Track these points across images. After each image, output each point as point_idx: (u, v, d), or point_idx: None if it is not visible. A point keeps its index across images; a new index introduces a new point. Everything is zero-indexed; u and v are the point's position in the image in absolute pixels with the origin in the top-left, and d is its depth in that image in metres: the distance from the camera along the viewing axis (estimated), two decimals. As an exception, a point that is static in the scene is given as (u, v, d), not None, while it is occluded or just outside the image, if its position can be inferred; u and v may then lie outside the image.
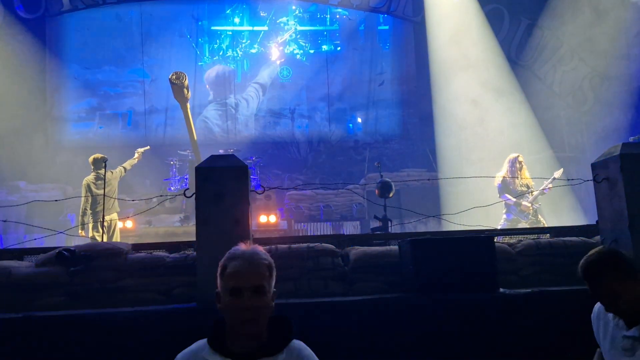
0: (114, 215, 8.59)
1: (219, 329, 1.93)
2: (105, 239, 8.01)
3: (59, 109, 13.92)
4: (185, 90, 8.90)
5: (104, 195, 7.79)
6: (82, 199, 8.32)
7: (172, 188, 11.02)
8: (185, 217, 10.63)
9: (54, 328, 3.33)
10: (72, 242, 8.46)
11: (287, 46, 14.54)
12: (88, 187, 8.34)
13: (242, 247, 1.92)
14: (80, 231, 8.23)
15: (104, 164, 8.06)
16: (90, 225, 8.24)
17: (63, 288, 3.79)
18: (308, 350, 1.93)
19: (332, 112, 14.54)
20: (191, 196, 3.69)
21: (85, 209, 8.31)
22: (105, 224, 8.25)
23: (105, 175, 8.12)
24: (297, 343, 1.94)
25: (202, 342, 1.96)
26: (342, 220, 11.53)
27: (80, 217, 8.34)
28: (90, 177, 8.42)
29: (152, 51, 13.97)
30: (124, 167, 8.91)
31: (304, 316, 3.25)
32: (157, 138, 13.60)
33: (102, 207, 8.12)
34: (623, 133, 9.73)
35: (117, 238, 8.56)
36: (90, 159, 8.50)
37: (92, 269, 3.83)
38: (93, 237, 8.12)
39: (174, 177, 11.16)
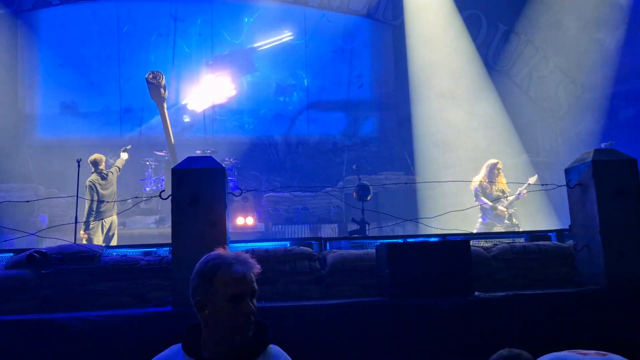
0: (115, 217, 8.41)
1: (194, 335, 1.90)
2: (100, 241, 7.89)
3: (31, 107, 13.58)
4: (162, 90, 8.80)
5: (77, 197, 7.66)
6: (87, 199, 8.10)
7: (147, 189, 10.86)
8: (160, 218, 10.50)
9: (23, 333, 3.24)
10: (44, 244, 8.27)
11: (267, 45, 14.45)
12: (94, 187, 8.16)
13: (222, 251, 1.88)
14: (81, 231, 7.94)
15: (101, 165, 8.13)
16: (84, 226, 8.01)
17: (33, 291, 3.71)
18: (285, 356, 1.91)
19: (311, 114, 14.52)
20: (167, 198, 3.63)
21: (91, 210, 8.09)
22: (106, 225, 8.13)
23: (107, 176, 8.14)
24: (274, 348, 1.92)
25: (176, 347, 1.92)
26: (319, 223, 11.50)
27: (85, 218, 8.06)
28: (94, 177, 8.25)
29: (128, 49, 13.74)
30: (117, 167, 8.78)
31: (280, 320, 3.23)
32: (133, 138, 13.34)
33: (105, 207, 8.03)
34: (596, 139, 9.95)
35: (116, 240, 8.42)
36: (91, 158, 8.34)
37: (63, 272, 3.75)
38: (89, 239, 7.90)
39: (149, 177, 11.00)
